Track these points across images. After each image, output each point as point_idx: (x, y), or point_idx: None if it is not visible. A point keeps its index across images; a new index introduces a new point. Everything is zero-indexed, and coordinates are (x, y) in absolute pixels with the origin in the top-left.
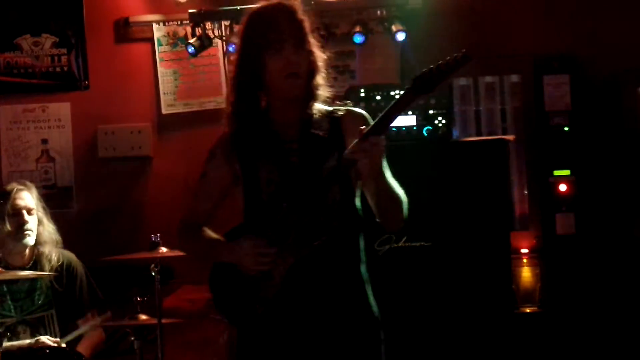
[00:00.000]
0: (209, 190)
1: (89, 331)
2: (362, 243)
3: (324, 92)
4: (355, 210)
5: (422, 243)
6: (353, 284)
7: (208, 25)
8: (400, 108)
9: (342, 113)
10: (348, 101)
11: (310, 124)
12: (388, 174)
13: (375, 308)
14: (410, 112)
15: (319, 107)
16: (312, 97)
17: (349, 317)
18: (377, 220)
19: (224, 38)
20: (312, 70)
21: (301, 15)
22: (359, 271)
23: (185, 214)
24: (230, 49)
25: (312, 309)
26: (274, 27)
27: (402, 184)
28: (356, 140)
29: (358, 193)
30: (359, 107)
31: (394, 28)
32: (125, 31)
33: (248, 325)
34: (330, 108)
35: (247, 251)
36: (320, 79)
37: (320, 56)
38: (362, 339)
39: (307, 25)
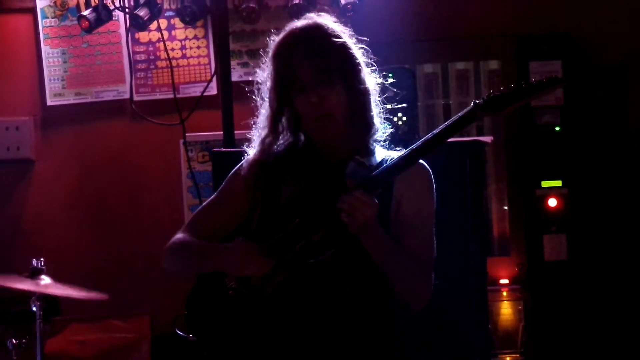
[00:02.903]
0: (221, 211)
1: None
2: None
3: (376, 130)
4: None
5: None
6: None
7: None
8: (456, 129)
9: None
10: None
11: (358, 153)
12: (390, 250)
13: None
14: None
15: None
16: (360, 134)
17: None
18: None
19: (127, 10)
20: (357, 105)
21: (332, 38)
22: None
23: (185, 226)
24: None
25: (300, 337)
26: (291, 62)
27: None
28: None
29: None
30: None
31: (343, 0)
32: None
33: (224, 346)
34: (388, 153)
35: (236, 252)
36: (369, 115)
37: (369, 85)
38: None
39: (341, 49)
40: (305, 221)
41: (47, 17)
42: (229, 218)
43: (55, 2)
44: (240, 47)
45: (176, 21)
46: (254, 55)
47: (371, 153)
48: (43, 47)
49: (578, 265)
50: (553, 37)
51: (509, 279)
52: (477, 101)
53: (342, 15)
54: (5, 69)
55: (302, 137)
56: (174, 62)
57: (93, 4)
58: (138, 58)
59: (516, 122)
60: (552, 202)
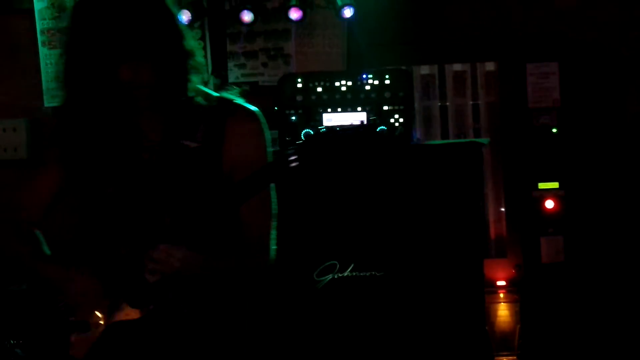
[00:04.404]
0: (38, 189)
1: None
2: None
3: (194, 85)
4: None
5: (373, 272)
6: None
7: None
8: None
9: (227, 110)
10: (237, 89)
11: (179, 129)
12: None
13: None
14: (359, 108)
15: (201, 95)
16: (177, 97)
17: None
18: None
19: None
20: (174, 76)
21: (144, 5)
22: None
23: (17, 212)
24: None
25: None
26: (103, 31)
27: (348, 197)
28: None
29: None
30: (292, 101)
31: (339, 2)
32: None
33: None
34: (216, 95)
35: (72, 294)
36: (187, 84)
37: (186, 51)
38: None
39: (156, 16)
40: (131, 245)
41: (44, 19)
42: (49, 191)
43: (52, 4)
44: (237, 49)
45: None
46: (251, 56)
47: (196, 125)
48: (40, 49)
49: (575, 267)
50: (550, 37)
51: (505, 280)
52: (290, 150)
53: (339, 16)
54: (2, 70)
55: (122, 106)
56: None
57: None
58: None
59: (513, 123)
60: (549, 204)
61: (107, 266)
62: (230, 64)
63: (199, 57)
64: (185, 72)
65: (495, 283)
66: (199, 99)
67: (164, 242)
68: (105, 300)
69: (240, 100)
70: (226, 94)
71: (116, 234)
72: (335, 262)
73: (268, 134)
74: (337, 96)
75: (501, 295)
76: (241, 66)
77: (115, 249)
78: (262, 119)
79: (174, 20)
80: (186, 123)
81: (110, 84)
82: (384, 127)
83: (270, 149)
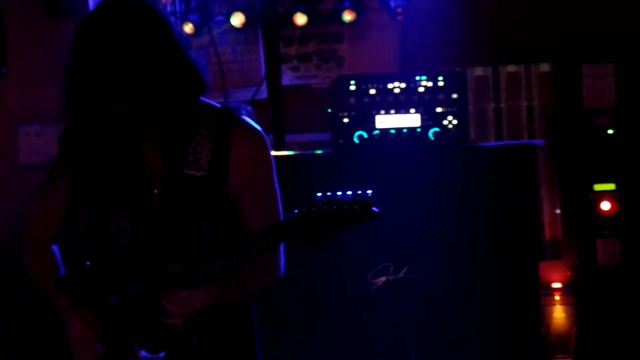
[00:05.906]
0: (52, 206)
1: None
2: None
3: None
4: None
5: (427, 275)
6: None
7: None
8: (258, 252)
9: (230, 132)
10: (241, 105)
11: (182, 157)
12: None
13: None
14: (413, 110)
15: (203, 109)
16: (170, 134)
17: None
18: None
19: (178, 15)
20: (159, 110)
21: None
22: None
23: (29, 219)
24: (187, 28)
25: None
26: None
27: (402, 200)
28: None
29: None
30: (346, 104)
31: (393, 3)
32: (59, 2)
33: None
34: (218, 107)
35: (73, 336)
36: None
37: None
38: None
39: (124, 61)
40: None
41: None
42: (64, 207)
43: None
44: (291, 52)
45: (227, 25)
46: (305, 59)
47: (200, 148)
48: None
49: (632, 269)
50: (605, 38)
51: (561, 282)
52: (291, 221)
53: (392, 18)
54: (55, 75)
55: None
56: (224, 67)
57: None
58: None
59: (568, 124)
60: (605, 206)
61: (116, 308)
62: (284, 67)
63: (206, 71)
64: (178, 96)
65: (551, 285)
66: (201, 115)
67: (182, 286)
68: (101, 349)
69: (243, 116)
70: (229, 107)
71: (127, 272)
72: (389, 264)
73: (269, 152)
74: (391, 98)
75: (557, 297)
76: (294, 69)
77: (125, 288)
78: (265, 137)
79: (162, 47)
80: (188, 148)
81: (104, 115)
82: (437, 129)
83: (273, 167)
